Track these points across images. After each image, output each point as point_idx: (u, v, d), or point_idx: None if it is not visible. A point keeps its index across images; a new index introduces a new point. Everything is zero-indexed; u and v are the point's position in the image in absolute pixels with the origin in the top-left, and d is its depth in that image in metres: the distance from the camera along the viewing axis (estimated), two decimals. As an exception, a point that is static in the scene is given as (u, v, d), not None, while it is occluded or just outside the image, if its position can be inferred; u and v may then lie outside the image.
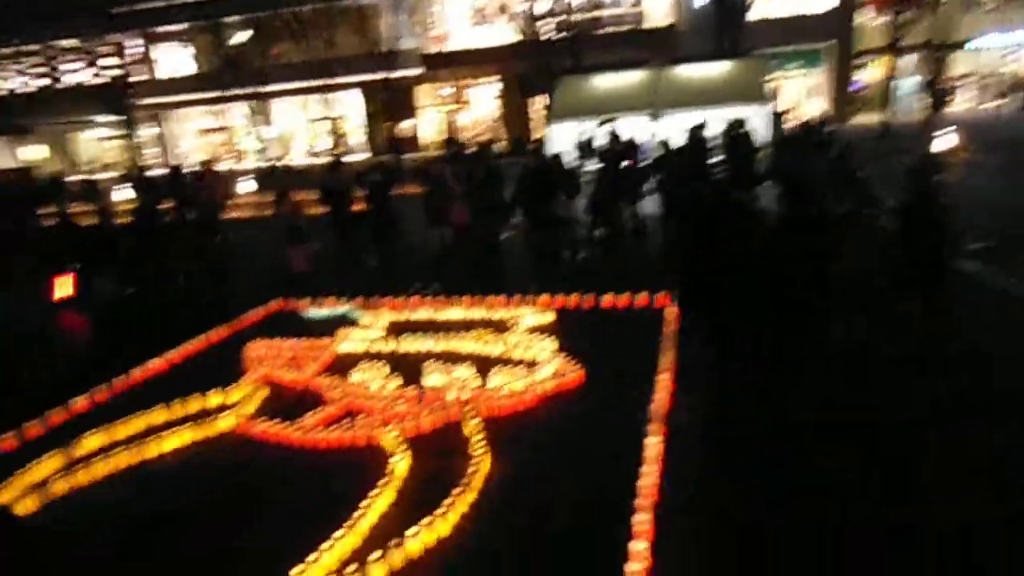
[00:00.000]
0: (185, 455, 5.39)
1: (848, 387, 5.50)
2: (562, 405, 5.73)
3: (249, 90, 27.11)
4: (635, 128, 16.95)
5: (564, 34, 26.38)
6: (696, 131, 10.64)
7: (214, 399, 6.09)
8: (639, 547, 3.71)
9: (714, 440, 5.01)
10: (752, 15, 25.63)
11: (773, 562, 3.74)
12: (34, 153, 31.27)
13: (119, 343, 8.11)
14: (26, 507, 4.73)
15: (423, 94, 33.45)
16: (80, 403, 6.21)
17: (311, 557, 3.83)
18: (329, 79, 27.54)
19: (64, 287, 8.84)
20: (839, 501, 4.17)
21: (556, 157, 10.55)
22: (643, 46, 26.04)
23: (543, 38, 26.71)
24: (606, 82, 20.92)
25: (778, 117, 19.18)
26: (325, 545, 3.93)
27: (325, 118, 27.88)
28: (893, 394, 5.36)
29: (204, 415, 5.84)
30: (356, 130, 34.49)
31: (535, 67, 27.27)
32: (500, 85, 32.75)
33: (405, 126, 33.83)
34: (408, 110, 33.58)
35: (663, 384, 5.63)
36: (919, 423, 4.93)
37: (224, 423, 5.69)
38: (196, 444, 5.51)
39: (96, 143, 37.36)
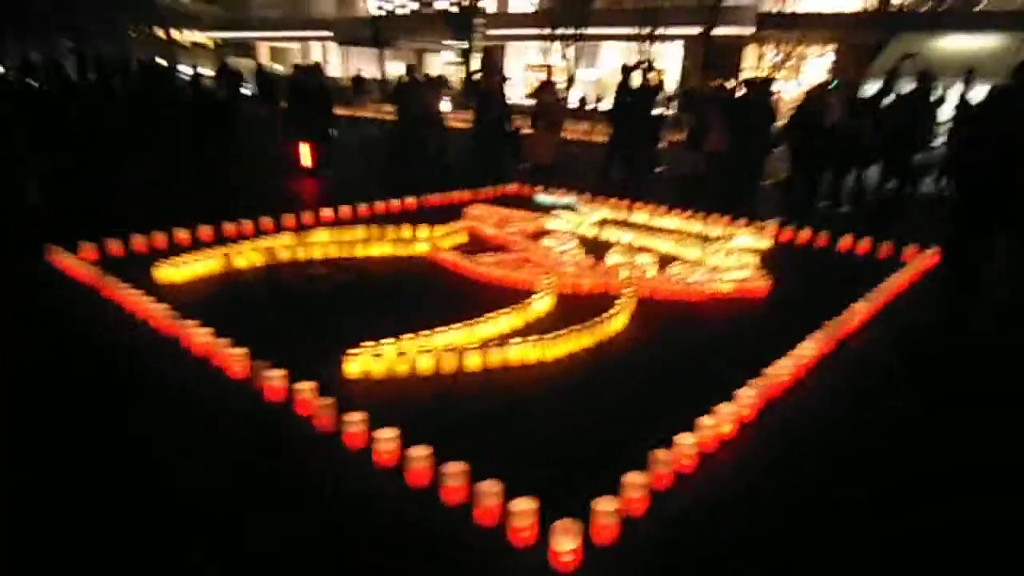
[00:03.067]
0: (379, 262, 6.16)
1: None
2: (726, 307, 5.34)
3: (574, 31, 28.33)
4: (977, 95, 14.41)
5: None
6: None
7: (422, 232, 6.78)
8: (724, 409, 3.38)
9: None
10: None
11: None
12: (393, 68, 36.44)
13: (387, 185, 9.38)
14: (250, 261, 5.82)
15: (748, 56, 31.76)
16: (326, 213, 7.38)
17: (424, 332, 4.19)
18: (652, 28, 27.52)
19: (307, 156, 10.34)
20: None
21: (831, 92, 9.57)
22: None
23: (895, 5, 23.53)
24: (954, 44, 17.85)
25: None
26: (440, 329, 4.26)
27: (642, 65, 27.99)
28: None
29: (409, 240, 6.58)
30: (671, 84, 34.15)
31: (882, 38, 24.19)
32: (834, 56, 29.75)
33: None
34: (729, 71, 32.19)
35: (856, 310, 4.93)
36: None
37: (420, 248, 6.35)
38: (394, 257, 6.26)
39: (442, 67, 42.34)
